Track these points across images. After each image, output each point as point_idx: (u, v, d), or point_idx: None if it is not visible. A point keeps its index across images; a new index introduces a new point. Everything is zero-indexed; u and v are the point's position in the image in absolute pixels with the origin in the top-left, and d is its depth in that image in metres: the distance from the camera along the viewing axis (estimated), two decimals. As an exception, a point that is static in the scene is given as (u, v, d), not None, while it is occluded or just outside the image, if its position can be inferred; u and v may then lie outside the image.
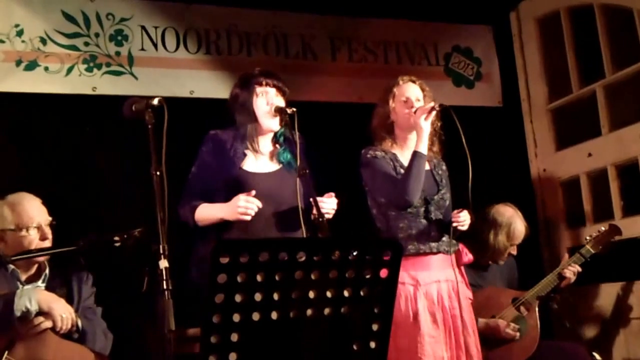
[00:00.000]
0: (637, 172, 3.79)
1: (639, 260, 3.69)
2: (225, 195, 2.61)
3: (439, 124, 2.98)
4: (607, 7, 4.03)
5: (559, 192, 4.37)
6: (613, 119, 3.99)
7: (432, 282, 2.78)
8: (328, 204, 2.57)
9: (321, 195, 2.64)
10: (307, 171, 2.48)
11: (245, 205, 2.49)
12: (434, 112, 2.83)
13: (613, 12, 4.01)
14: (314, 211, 2.45)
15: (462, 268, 2.94)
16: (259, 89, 2.71)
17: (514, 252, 3.55)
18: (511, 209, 3.52)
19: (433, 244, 2.81)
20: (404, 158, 2.89)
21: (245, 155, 2.68)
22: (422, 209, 2.84)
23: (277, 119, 2.70)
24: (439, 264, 2.82)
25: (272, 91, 2.72)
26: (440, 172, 3.00)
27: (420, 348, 2.65)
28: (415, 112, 2.85)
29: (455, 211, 2.83)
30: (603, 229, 3.52)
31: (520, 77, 4.61)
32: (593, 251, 3.44)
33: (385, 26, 4.35)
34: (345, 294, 1.77)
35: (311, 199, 2.44)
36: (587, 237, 3.52)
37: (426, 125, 2.81)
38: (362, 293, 1.78)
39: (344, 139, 3.85)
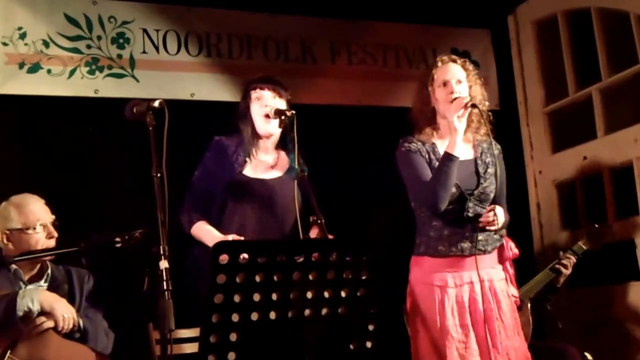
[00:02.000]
0: (631, 176, 3.79)
1: (631, 263, 3.70)
2: (225, 199, 2.66)
3: (486, 104, 2.72)
4: (604, 11, 4.03)
5: (554, 194, 4.38)
6: (609, 122, 4.00)
7: (465, 284, 2.59)
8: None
9: (321, 196, 2.67)
10: (305, 173, 2.51)
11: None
12: (469, 109, 2.58)
13: (610, 15, 4.01)
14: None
15: (507, 264, 2.73)
16: (254, 94, 2.77)
17: None
18: None
19: (465, 245, 2.58)
20: (443, 149, 2.63)
21: (245, 161, 2.72)
22: (459, 206, 2.59)
23: (275, 121, 2.73)
24: (473, 264, 2.58)
25: (268, 94, 2.76)
26: (487, 159, 2.70)
27: (449, 354, 2.50)
28: (452, 102, 2.58)
29: (488, 208, 2.59)
30: (596, 225, 3.53)
31: (518, 80, 4.62)
32: (585, 248, 3.41)
33: (384, 30, 4.37)
34: (343, 294, 1.79)
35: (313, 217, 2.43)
36: (581, 233, 3.53)
37: (460, 124, 2.55)
38: (358, 294, 1.81)
39: (344, 142, 3.90)
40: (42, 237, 2.62)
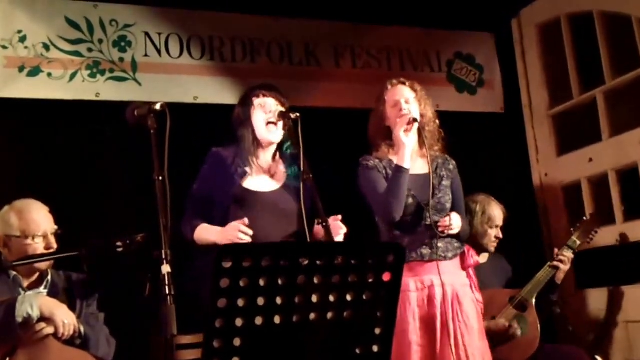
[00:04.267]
0: (637, 177, 3.81)
1: (640, 264, 3.71)
2: (226, 212, 2.63)
3: (437, 122, 2.93)
4: (606, 14, 4.05)
5: (560, 196, 4.38)
6: (613, 124, 4.01)
7: (425, 288, 2.71)
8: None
9: (325, 199, 2.65)
10: (311, 176, 2.49)
11: (237, 237, 2.47)
12: (416, 125, 2.79)
13: (612, 19, 4.03)
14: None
15: (470, 271, 2.86)
16: (256, 101, 2.74)
17: (500, 236, 3.57)
18: (483, 195, 3.57)
19: (425, 251, 2.74)
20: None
21: (246, 172, 2.69)
22: (417, 216, 2.77)
23: (276, 130, 2.71)
24: (433, 268, 2.72)
25: (271, 101, 2.74)
26: (442, 172, 2.90)
27: (409, 357, 2.60)
28: (398, 120, 2.80)
29: (446, 214, 2.77)
30: (585, 218, 3.59)
31: (522, 83, 4.63)
32: (579, 242, 3.47)
33: (388, 33, 4.37)
34: (348, 298, 1.77)
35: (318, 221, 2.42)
36: (572, 229, 3.57)
37: (407, 139, 2.76)
38: (364, 297, 1.78)
39: (348, 145, 3.86)
40: (40, 248, 2.59)
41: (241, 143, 2.73)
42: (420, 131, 2.84)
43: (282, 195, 2.70)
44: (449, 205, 2.84)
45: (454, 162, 2.97)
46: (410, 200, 2.76)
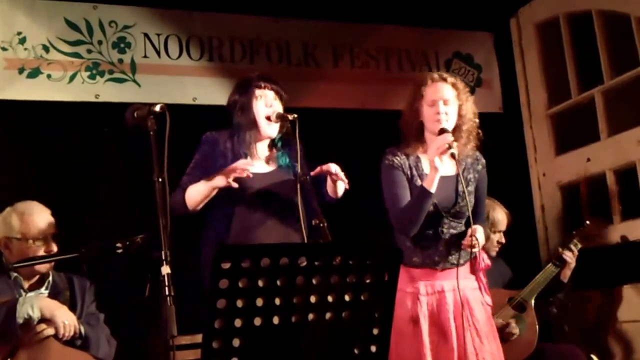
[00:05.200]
0: (635, 177, 3.82)
1: (637, 264, 3.71)
2: (220, 193, 2.63)
3: (476, 121, 2.76)
4: (604, 13, 4.05)
5: (558, 196, 4.39)
6: (611, 124, 4.01)
7: (436, 292, 2.67)
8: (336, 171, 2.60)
9: (322, 200, 2.65)
10: (308, 177, 2.49)
11: (242, 168, 2.50)
12: (450, 151, 2.58)
13: (611, 18, 4.03)
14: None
15: (481, 274, 2.77)
16: (258, 92, 2.74)
17: (502, 241, 3.56)
18: (488, 200, 3.53)
19: (438, 259, 2.67)
20: (427, 164, 2.68)
21: (246, 155, 2.69)
22: (435, 223, 2.67)
23: (277, 125, 2.72)
24: (446, 274, 2.68)
25: (271, 94, 2.74)
26: (469, 176, 2.75)
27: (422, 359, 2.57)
28: (436, 122, 2.64)
29: (470, 231, 2.60)
30: (588, 222, 3.57)
31: (520, 83, 4.63)
32: (580, 245, 3.46)
33: (387, 33, 4.37)
34: (346, 298, 1.78)
35: (316, 220, 2.41)
36: (574, 231, 3.55)
37: (440, 165, 2.58)
38: (362, 298, 1.80)
39: (346, 145, 3.88)
40: (41, 250, 2.60)
41: (240, 132, 2.73)
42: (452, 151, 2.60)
43: (276, 177, 2.71)
44: (468, 213, 2.68)
45: (483, 161, 2.83)
46: (431, 207, 2.64)
